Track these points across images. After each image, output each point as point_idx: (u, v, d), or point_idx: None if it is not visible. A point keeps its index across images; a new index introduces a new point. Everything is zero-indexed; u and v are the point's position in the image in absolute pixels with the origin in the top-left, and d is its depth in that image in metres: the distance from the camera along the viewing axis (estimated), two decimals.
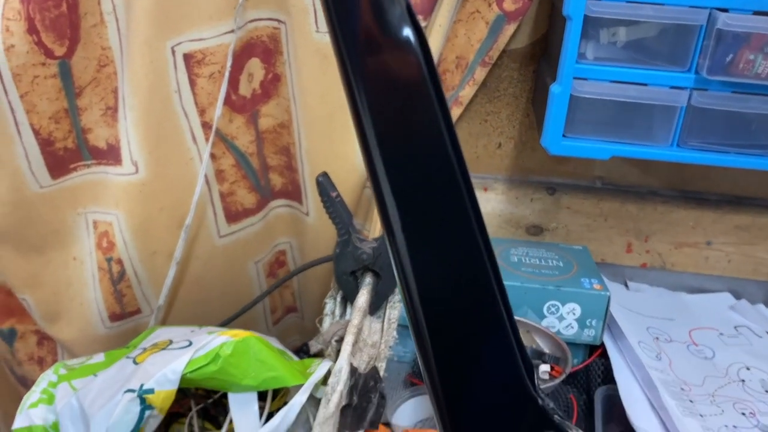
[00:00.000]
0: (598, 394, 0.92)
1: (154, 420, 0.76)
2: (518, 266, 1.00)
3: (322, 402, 0.75)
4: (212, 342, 0.77)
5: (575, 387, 0.98)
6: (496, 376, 0.34)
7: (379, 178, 0.34)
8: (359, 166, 1.07)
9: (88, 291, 1.11)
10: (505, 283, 0.95)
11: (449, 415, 0.36)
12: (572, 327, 0.96)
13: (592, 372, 0.97)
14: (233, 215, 1.15)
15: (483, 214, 1.05)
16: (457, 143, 0.34)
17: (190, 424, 0.90)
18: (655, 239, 1.09)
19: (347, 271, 0.92)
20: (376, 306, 0.91)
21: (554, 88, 0.86)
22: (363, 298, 0.88)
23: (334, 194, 0.88)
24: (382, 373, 0.83)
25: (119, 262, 1.09)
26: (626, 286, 1.12)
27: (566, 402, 0.92)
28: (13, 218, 1.02)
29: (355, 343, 0.82)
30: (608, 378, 0.94)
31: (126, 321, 1.14)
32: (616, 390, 0.88)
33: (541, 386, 0.75)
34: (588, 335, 0.96)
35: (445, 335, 0.34)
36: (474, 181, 1.06)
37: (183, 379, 0.75)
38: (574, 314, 0.95)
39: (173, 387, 0.74)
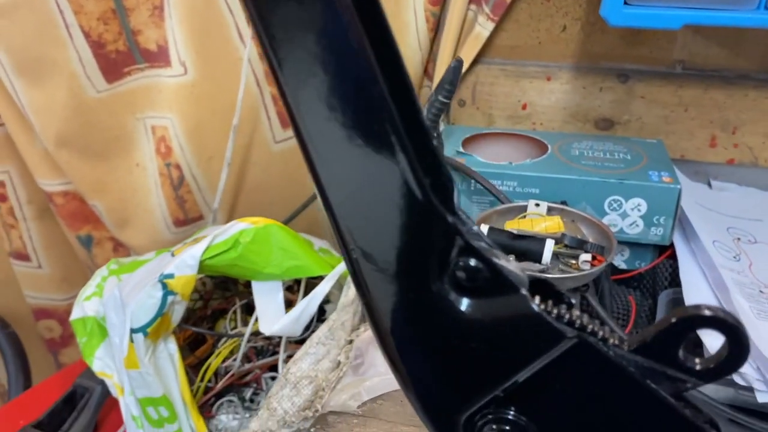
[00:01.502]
0: (663, 298, 0.83)
1: (179, 306, 0.76)
2: (578, 160, 0.91)
3: (344, 289, 0.72)
4: (231, 229, 0.75)
5: (640, 290, 0.89)
6: (381, 182, 0.29)
7: None
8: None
9: (152, 197, 1.13)
10: (560, 176, 0.87)
11: (336, 226, 0.31)
12: (637, 225, 0.86)
13: (659, 274, 0.88)
14: (287, 120, 1.13)
15: (546, 106, 0.95)
16: None
17: (233, 319, 0.90)
18: (744, 131, 0.95)
19: None
20: None
21: None
22: None
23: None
24: None
25: (178, 167, 1.09)
26: (709, 185, 1.00)
27: (625, 304, 0.84)
28: (75, 123, 1.04)
29: None
30: (676, 281, 0.84)
31: (190, 227, 1.16)
32: (682, 293, 0.79)
33: (579, 274, 0.68)
34: (655, 234, 0.86)
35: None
36: (536, 69, 0.97)
37: (204, 265, 0.75)
38: (639, 210, 0.86)
39: (192, 272, 0.73)
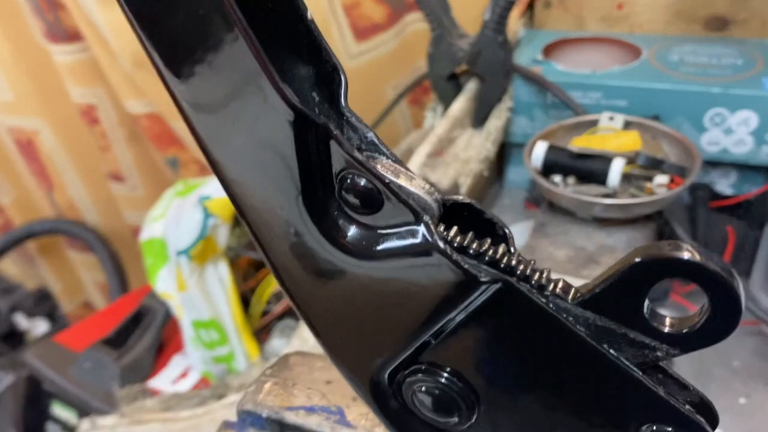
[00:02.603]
0: None
1: (222, 229, 0.74)
2: (677, 66, 0.78)
3: None
4: None
5: (747, 220, 0.76)
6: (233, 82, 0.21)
7: None
8: None
9: None
10: (653, 85, 0.75)
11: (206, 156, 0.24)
12: (744, 143, 0.73)
13: None
14: (361, 31, 1.05)
15: (645, 5, 0.82)
16: None
17: None
18: None
19: (443, 74, 0.78)
20: (480, 116, 0.77)
21: None
22: (457, 105, 0.75)
23: None
24: (462, 190, 0.70)
25: None
26: None
27: (722, 234, 0.72)
28: None
29: (435, 155, 0.70)
30: None
31: None
32: None
33: (651, 199, 0.57)
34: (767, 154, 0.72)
35: None
36: None
37: None
38: (747, 126, 0.72)
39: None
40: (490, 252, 0.22)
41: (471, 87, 0.77)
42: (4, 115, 1.21)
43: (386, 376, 0.26)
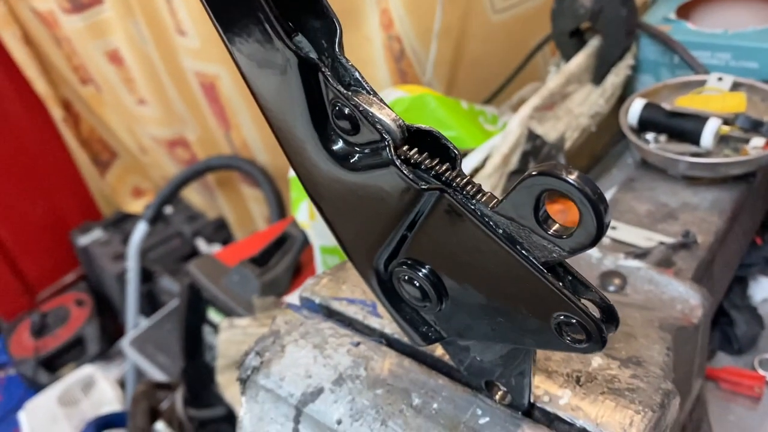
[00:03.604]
0: None
1: None
2: None
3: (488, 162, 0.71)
4: (388, 97, 0.77)
5: None
6: (254, 41, 0.29)
7: None
8: None
9: (379, 70, 1.19)
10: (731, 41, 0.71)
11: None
12: None
13: None
14: None
15: None
16: None
17: None
18: None
19: (565, 30, 0.80)
20: (600, 73, 0.78)
21: None
22: (575, 61, 0.77)
23: None
24: (568, 144, 0.73)
25: (398, 39, 1.13)
26: None
27: None
28: None
29: (543, 108, 0.73)
30: None
31: None
32: None
33: (740, 159, 0.57)
34: None
35: None
36: None
37: None
38: None
39: None
40: (436, 168, 0.28)
41: (593, 44, 0.78)
42: (192, 60, 1.39)
43: (382, 265, 0.33)
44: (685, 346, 0.44)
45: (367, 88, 0.29)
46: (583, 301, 0.26)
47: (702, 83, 0.67)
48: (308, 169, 0.32)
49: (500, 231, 0.26)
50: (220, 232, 1.82)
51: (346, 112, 0.29)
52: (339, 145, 0.30)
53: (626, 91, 0.81)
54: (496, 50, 1.14)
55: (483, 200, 0.27)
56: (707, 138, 0.59)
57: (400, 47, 1.14)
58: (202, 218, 1.82)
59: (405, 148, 0.29)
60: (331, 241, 0.88)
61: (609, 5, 0.75)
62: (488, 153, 0.74)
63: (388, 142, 0.28)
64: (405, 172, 0.27)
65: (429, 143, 0.29)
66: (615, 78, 0.77)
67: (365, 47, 1.18)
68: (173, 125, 1.61)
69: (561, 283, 0.26)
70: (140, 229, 1.49)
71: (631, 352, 0.38)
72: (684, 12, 0.83)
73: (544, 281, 0.26)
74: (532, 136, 0.72)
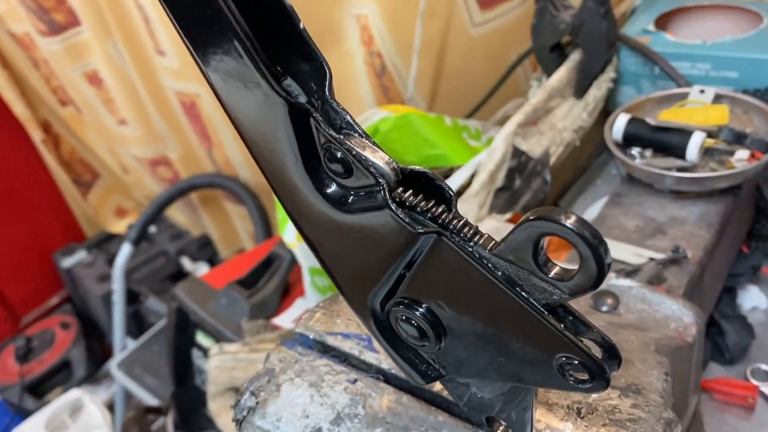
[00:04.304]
0: None
1: None
2: None
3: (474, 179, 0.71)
4: (372, 117, 0.77)
5: None
6: (242, 84, 0.28)
7: None
8: None
9: (361, 86, 1.19)
10: (746, 55, 0.72)
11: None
12: None
13: None
14: (486, 0, 1.08)
15: None
16: None
17: None
18: None
19: (546, 45, 0.80)
20: (581, 86, 0.79)
21: None
22: (557, 76, 0.77)
23: None
24: (552, 159, 0.73)
25: (379, 55, 1.13)
26: None
27: None
28: None
29: (527, 124, 0.73)
30: None
31: None
32: None
33: (727, 173, 0.58)
34: None
35: None
36: None
37: None
38: None
39: None
40: (432, 210, 0.28)
41: (574, 58, 0.79)
42: (172, 80, 1.38)
43: (378, 305, 0.32)
44: (681, 366, 0.44)
45: (359, 131, 0.29)
46: (584, 341, 0.26)
47: (684, 96, 0.68)
48: (301, 210, 0.32)
49: (499, 273, 0.26)
50: (205, 249, 1.81)
51: (339, 155, 0.28)
52: (332, 188, 0.30)
53: (608, 103, 0.82)
54: (477, 64, 1.14)
55: (481, 243, 0.27)
56: (692, 152, 0.59)
57: (382, 63, 1.14)
58: (187, 236, 1.81)
59: (400, 190, 0.28)
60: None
61: (589, 19, 0.76)
62: (474, 170, 0.74)
63: (382, 185, 0.27)
64: (401, 216, 0.27)
65: (423, 184, 0.29)
66: (597, 91, 0.78)
67: (347, 63, 1.18)
68: (155, 144, 1.60)
69: (562, 325, 0.26)
70: (125, 250, 1.48)
71: (630, 379, 0.38)
72: (662, 23, 0.84)
73: (546, 324, 0.26)
74: (517, 153, 0.72)
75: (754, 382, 0.63)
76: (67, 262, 1.74)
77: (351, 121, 0.29)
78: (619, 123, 0.64)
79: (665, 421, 0.33)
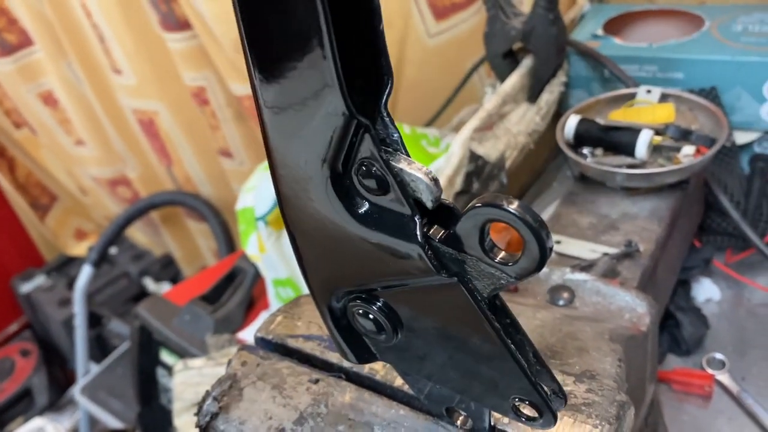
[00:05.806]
0: None
1: None
2: (738, 37, 0.77)
3: None
4: None
5: None
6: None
7: None
8: None
9: None
10: (710, 57, 0.75)
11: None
12: None
13: None
14: (440, 11, 1.10)
15: None
16: None
17: None
18: None
19: (498, 52, 0.82)
20: (534, 91, 0.81)
21: None
22: (510, 81, 0.79)
23: None
24: (508, 163, 0.74)
25: None
26: None
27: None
28: None
29: (482, 129, 0.74)
30: None
31: None
32: None
33: (674, 168, 0.60)
34: None
35: None
36: None
37: None
38: None
39: None
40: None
41: (526, 63, 0.81)
42: (129, 98, 1.37)
43: (336, 300, 0.33)
44: (636, 355, 0.46)
45: (404, 153, 0.27)
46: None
47: (632, 96, 0.70)
48: (302, 201, 0.30)
49: (453, 267, 0.27)
50: (168, 269, 1.79)
51: (374, 171, 0.27)
52: (356, 200, 0.28)
53: (561, 106, 0.84)
54: (433, 74, 1.15)
55: (430, 233, 0.27)
56: (641, 149, 0.61)
57: None
58: (149, 256, 1.78)
59: (425, 220, 0.27)
60: (283, 273, 0.88)
61: (539, 25, 0.77)
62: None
63: (416, 221, 0.27)
64: (430, 256, 0.27)
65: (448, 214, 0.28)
66: (549, 95, 0.79)
67: None
68: (113, 164, 1.58)
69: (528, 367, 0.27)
70: (85, 273, 1.45)
71: (585, 366, 0.39)
72: (611, 28, 0.87)
73: (516, 362, 0.27)
74: (474, 157, 0.73)
75: (710, 371, 0.64)
76: (26, 288, 1.71)
77: (398, 140, 0.28)
78: (570, 123, 0.65)
79: (618, 404, 0.34)
